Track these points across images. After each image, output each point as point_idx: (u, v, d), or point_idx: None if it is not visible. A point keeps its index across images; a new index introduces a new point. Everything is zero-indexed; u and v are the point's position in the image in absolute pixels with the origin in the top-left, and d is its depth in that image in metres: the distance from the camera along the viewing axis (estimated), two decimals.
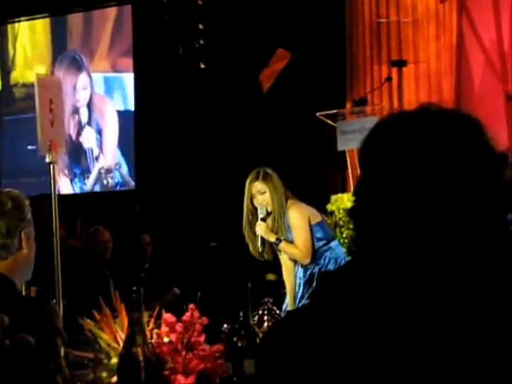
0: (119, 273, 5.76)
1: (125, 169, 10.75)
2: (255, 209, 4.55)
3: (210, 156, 9.57)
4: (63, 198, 7.98)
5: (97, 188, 10.88)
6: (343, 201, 6.66)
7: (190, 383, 2.31)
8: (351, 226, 5.84)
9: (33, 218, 2.37)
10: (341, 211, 6.53)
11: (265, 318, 2.80)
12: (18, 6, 10.88)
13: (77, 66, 11.04)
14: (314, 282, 4.46)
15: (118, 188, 10.77)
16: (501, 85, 8.19)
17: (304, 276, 4.60)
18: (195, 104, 9.75)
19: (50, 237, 4.09)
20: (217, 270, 7.37)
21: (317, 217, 4.67)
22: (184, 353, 2.32)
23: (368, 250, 1.18)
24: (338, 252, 4.64)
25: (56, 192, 4.32)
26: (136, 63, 10.54)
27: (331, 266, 4.53)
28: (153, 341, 2.32)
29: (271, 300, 2.91)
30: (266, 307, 2.83)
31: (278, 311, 2.89)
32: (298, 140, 9.00)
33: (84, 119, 10.98)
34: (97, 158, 10.88)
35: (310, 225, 4.56)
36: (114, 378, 2.25)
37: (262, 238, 4.57)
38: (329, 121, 7.57)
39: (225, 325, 2.56)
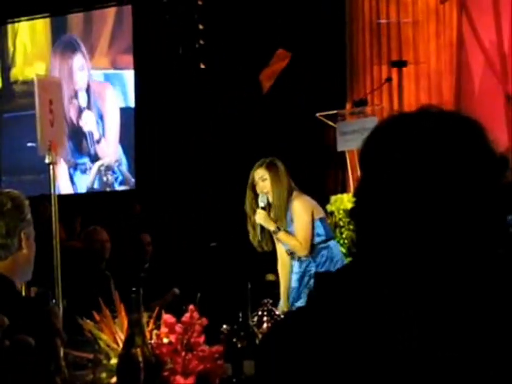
0: (119, 273, 5.75)
1: (125, 166, 10.75)
2: (257, 196, 4.56)
3: (211, 156, 9.57)
4: (63, 198, 7.99)
5: (96, 185, 10.87)
6: (343, 201, 6.67)
7: (190, 383, 2.31)
8: (351, 227, 5.85)
9: (33, 219, 2.37)
10: (341, 211, 6.55)
11: (265, 319, 2.80)
12: (19, 6, 10.88)
13: (72, 48, 11.04)
14: (311, 281, 4.44)
15: (117, 185, 10.77)
16: (501, 86, 8.19)
17: (299, 271, 4.58)
18: (195, 103, 9.75)
19: (50, 237, 4.09)
20: (217, 271, 7.37)
21: (320, 212, 4.67)
22: (183, 354, 2.32)
23: (368, 252, 1.18)
24: (335, 252, 4.62)
25: (57, 192, 4.32)
26: (136, 62, 10.54)
27: (327, 265, 4.52)
28: (152, 341, 2.32)
29: (270, 301, 2.91)
30: (265, 308, 2.83)
31: (277, 312, 2.89)
32: (298, 140, 9.00)
33: (83, 103, 10.96)
34: (98, 141, 10.87)
35: (312, 218, 4.56)
36: (114, 379, 2.25)
37: (262, 227, 4.57)
38: (329, 122, 7.57)
39: (224, 326, 2.55)
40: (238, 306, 2.53)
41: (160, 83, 10.03)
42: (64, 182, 10.86)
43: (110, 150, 10.84)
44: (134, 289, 2.07)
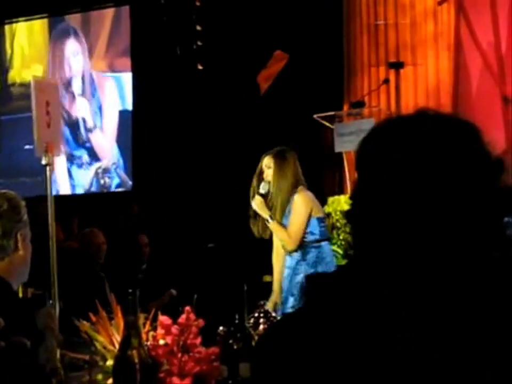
0: (116, 274, 5.74)
1: (122, 169, 10.74)
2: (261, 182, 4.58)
3: (208, 157, 9.57)
4: (60, 199, 7.98)
5: (94, 188, 10.86)
6: (340, 203, 6.67)
7: None
8: (347, 229, 5.84)
9: (30, 220, 2.37)
10: (338, 213, 6.55)
11: (261, 320, 2.79)
12: (17, 6, 10.87)
13: (67, 34, 11.01)
14: (301, 279, 4.43)
15: (115, 188, 10.76)
16: (498, 88, 8.19)
17: (290, 265, 4.57)
18: (193, 104, 9.75)
19: (47, 238, 4.08)
20: (213, 272, 7.37)
21: (319, 211, 4.67)
22: (179, 355, 2.32)
23: (365, 253, 1.18)
24: (327, 254, 4.61)
25: (54, 192, 4.32)
26: (134, 64, 10.53)
27: (317, 266, 4.50)
28: (149, 343, 2.32)
29: (267, 303, 2.91)
30: (262, 310, 2.83)
31: (274, 314, 2.88)
32: (296, 141, 8.98)
33: (77, 90, 10.92)
34: (93, 130, 10.83)
35: (309, 216, 4.55)
36: (110, 381, 2.25)
37: (258, 214, 4.58)
38: (326, 123, 7.58)
39: (221, 328, 2.55)
40: (235, 308, 2.53)
41: (158, 84, 10.03)
42: (63, 182, 10.85)
43: (107, 142, 10.79)
44: (130, 291, 2.07)
